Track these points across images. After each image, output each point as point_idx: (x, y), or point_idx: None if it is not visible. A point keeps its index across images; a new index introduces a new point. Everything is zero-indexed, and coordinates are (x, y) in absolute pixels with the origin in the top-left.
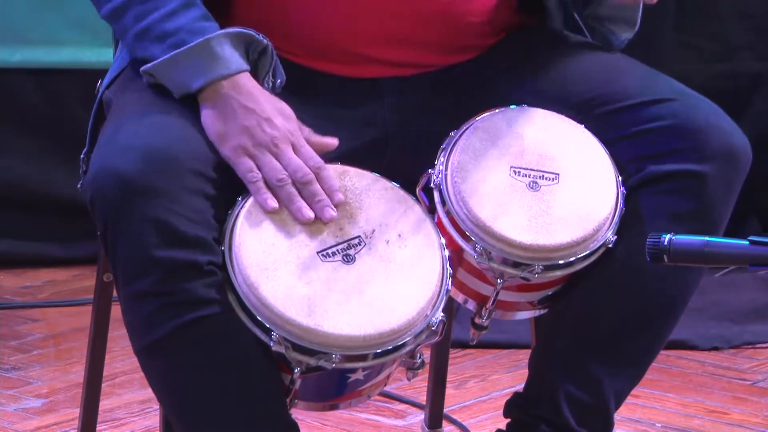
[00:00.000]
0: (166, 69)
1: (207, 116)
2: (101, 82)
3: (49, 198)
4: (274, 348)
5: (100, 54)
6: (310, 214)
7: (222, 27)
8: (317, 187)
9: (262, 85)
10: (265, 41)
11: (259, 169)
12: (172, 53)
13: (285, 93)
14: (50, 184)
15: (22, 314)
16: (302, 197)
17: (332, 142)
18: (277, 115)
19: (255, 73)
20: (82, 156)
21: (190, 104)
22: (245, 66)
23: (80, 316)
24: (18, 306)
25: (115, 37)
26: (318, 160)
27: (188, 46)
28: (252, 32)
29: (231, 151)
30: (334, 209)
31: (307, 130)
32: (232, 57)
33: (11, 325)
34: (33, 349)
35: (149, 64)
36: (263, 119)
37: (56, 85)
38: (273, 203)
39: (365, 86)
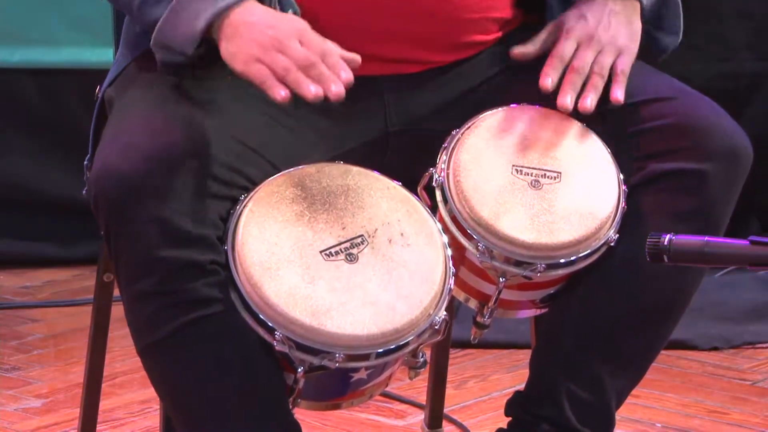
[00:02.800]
0: (170, 24)
1: (221, 47)
2: (100, 87)
3: (49, 198)
4: (278, 347)
5: (100, 54)
6: (319, 90)
7: None
8: (322, 68)
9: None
10: None
11: (268, 68)
12: (171, 4)
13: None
14: (50, 184)
15: (22, 314)
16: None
17: (356, 57)
18: (281, 19)
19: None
20: (86, 162)
21: (192, 102)
22: None
23: (80, 316)
24: (18, 306)
25: (116, 37)
26: (323, 46)
27: None
28: None
29: (242, 64)
30: (341, 86)
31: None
32: None
33: (11, 325)
34: (33, 349)
35: (156, 31)
36: (266, 26)
37: (56, 85)
38: (283, 92)
39: (366, 84)
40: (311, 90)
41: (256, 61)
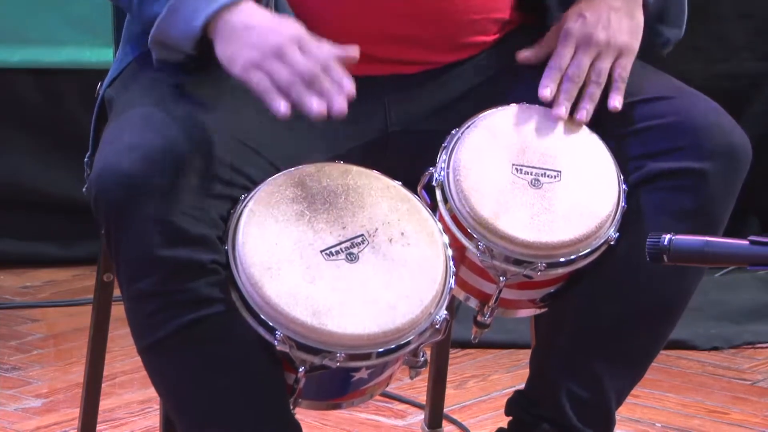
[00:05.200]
0: (168, 22)
1: (217, 49)
2: (101, 84)
3: (49, 198)
4: (279, 347)
5: (100, 54)
6: (322, 107)
7: None
8: (324, 83)
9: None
10: None
11: (269, 77)
12: (170, 2)
13: None
14: (50, 184)
15: (22, 314)
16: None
17: (354, 52)
18: (280, 23)
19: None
20: (86, 160)
21: (192, 101)
22: None
23: (80, 316)
24: (18, 306)
25: (116, 37)
26: (324, 55)
27: None
28: None
29: (241, 69)
30: (344, 101)
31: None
32: None
33: (11, 325)
34: (33, 349)
35: (154, 28)
36: (266, 30)
37: (56, 85)
38: (285, 108)
39: (366, 84)
40: (314, 107)
41: (256, 68)
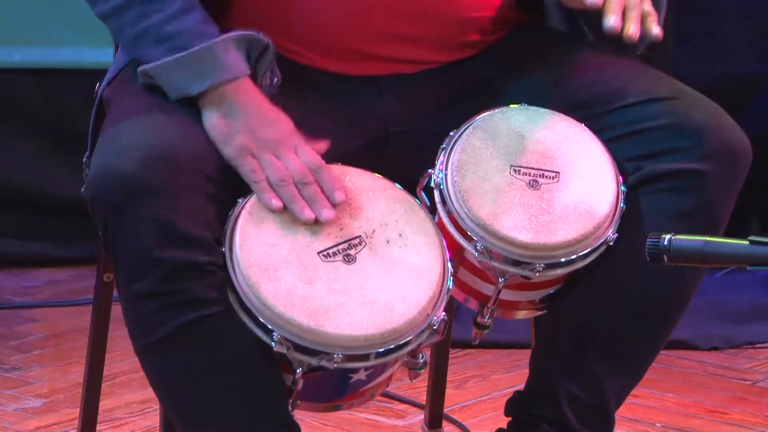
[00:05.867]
0: (166, 71)
1: (210, 119)
2: (100, 84)
3: (49, 198)
4: (276, 348)
5: (100, 54)
6: (311, 215)
7: (222, 25)
8: (316, 188)
9: (260, 83)
10: (265, 40)
11: (262, 170)
12: (175, 56)
13: (285, 90)
14: (50, 184)
15: (22, 314)
16: (303, 198)
17: (322, 145)
18: (279, 119)
19: (254, 73)
20: (84, 159)
21: (190, 104)
22: (247, 71)
23: (80, 316)
24: (18, 306)
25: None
26: (318, 160)
27: (192, 50)
28: (253, 33)
29: (235, 152)
30: (332, 210)
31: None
32: (235, 61)
33: (11, 325)
34: (33, 349)
35: (149, 65)
36: (266, 121)
37: (56, 85)
38: (278, 202)
39: (365, 84)
40: (304, 213)
41: (251, 156)
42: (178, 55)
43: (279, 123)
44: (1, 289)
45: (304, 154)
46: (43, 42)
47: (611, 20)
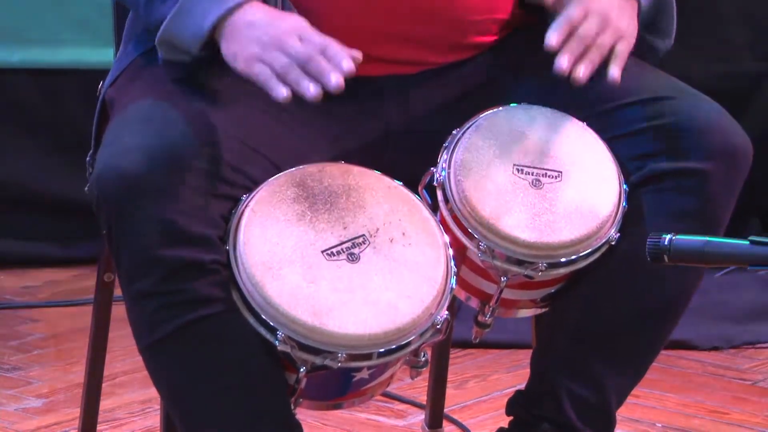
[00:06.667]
0: (177, 23)
1: (222, 48)
2: (103, 83)
3: (49, 198)
4: (280, 347)
5: (100, 54)
6: (317, 90)
7: None
8: (320, 62)
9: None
10: None
11: (268, 67)
12: (179, 3)
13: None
14: (50, 184)
15: (22, 314)
16: (313, 77)
17: (357, 54)
18: (281, 17)
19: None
20: (88, 159)
21: (194, 101)
22: None
23: (80, 316)
24: (18, 306)
25: (117, 37)
26: (322, 40)
27: None
28: None
29: (244, 63)
30: (340, 75)
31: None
32: None
33: (11, 325)
34: (33, 349)
35: (162, 29)
36: (267, 25)
37: (56, 85)
38: (284, 92)
39: (367, 84)
40: (310, 89)
41: (258, 61)
42: (179, 3)
43: (281, 22)
44: (1, 289)
45: (308, 39)
46: (43, 42)
47: (560, 61)
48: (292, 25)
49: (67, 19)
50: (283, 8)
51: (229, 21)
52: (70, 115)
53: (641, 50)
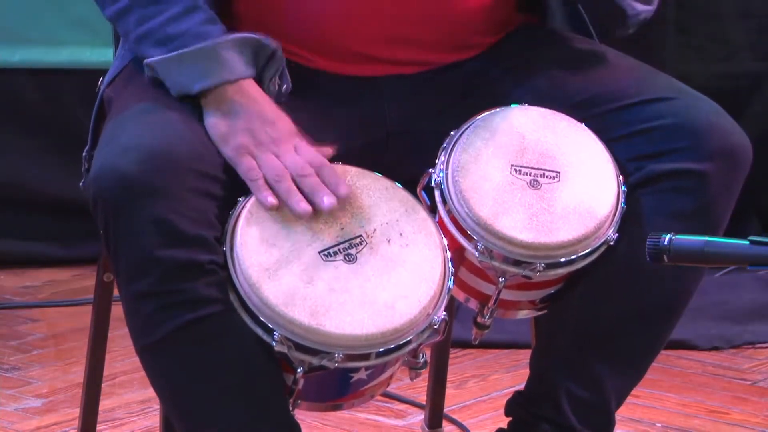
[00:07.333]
0: (169, 66)
1: (210, 118)
2: (102, 81)
3: (49, 198)
4: (277, 348)
5: (100, 54)
6: (307, 207)
7: (225, 26)
8: (316, 179)
9: (266, 89)
10: (273, 45)
11: (260, 168)
12: (179, 51)
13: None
14: (50, 184)
15: (22, 314)
16: (303, 192)
17: (328, 150)
18: (280, 119)
19: (260, 78)
20: (84, 154)
21: (191, 103)
22: (250, 72)
23: (80, 316)
24: (18, 306)
25: (116, 37)
26: (320, 158)
27: (195, 47)
28: (260, 37)
29: (233, 151)
30: (334, 197)
31: (306, 139)
32: (237, 63)
33: (11, 325)
34: (33, 349)
35: (153, 59)
36: (266, 121)
37: (56, 85)
38: (272, 200)
39: (365, 85)
40: (300, 206)
41: (249, 156)
42: (182, 51)
43: (279, 122)
44: (1, 289)
45: (304, 153)
46: (43, 42)
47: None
48: (290, 131)
49: (66, 18)
50: (281, 79)
51: (222, 92)
52: (69, 114)
53: (622, 16)
